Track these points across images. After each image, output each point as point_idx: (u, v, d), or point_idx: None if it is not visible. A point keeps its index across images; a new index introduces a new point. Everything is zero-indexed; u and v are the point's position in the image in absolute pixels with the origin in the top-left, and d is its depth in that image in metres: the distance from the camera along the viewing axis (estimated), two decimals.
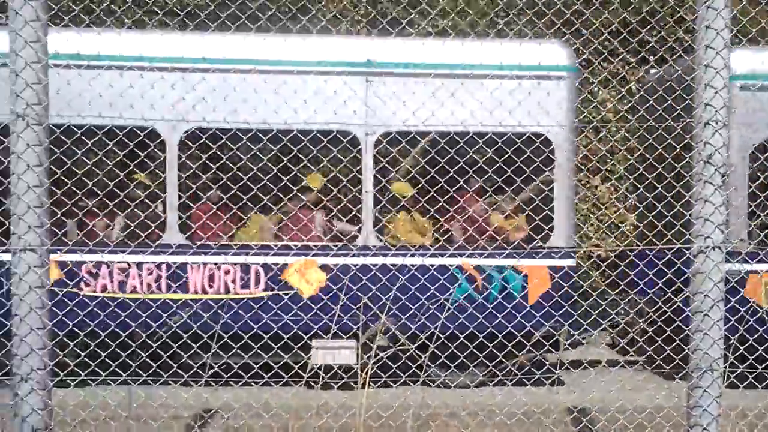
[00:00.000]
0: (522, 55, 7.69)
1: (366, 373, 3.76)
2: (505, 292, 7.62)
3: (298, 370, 7.11)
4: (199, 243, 7.27)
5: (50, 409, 3.52)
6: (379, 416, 4.41)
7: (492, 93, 7.29)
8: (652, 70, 10.04)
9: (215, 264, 7.39)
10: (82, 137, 5.88)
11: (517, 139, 7.18)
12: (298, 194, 8.03)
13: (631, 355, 9.25)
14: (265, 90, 7.34)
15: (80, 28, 6.78)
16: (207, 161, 7.19)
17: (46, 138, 3.47)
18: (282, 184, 7.65)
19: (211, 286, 7.39)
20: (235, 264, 7.40)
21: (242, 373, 6.70)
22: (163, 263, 7.38)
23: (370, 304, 7.32)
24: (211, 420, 5.73)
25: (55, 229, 8.09)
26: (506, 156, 6.49)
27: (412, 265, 7.47)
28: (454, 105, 7.34)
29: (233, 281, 7.42)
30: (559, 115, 7.69)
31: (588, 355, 9.77)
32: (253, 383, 6.04)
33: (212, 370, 5.42)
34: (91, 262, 7.31)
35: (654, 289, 7.98)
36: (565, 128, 7.75)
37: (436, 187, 7.41)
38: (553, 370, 8.19)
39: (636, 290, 9.01)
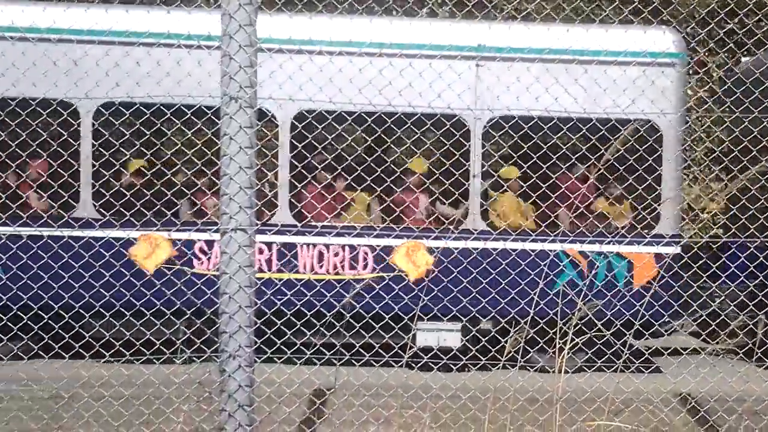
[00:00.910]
0: (630, 41, 7.64)
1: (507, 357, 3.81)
2: (608, 278, 7.62)
3: (400, 351, 7.17)
4: (303, 223, 7.35)
5: (255, 386, 3.60)
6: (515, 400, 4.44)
7: (599, 79, 7.26)
8: (743, 59, 9.96)
9: (325, 245, 7.46)
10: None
11: (623, 127, 7.15)
12: (404, 178, 8.06)
13: (719, 343, 9.22)
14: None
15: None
16: (315, 143, 7.26)
17: (256, 120, 3.53)
18: (385, 167, 7.68)
19: (320, 266, 7.47)
20: (344, 245, 7.47)
21: (364, 352, 6.75)
22: (273, 243, 7.47)
23: (469, 286, 7.35)
24: (333, 397, 5.79)
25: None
26: (613, 143, 6.48)
27: (513, 250, 7.48)
28: (561, 90, 7.31)
29: (342, 263, 7.50)
30: (667, 102, 7.64)
31: (675, 343, 9.76)
32: (373, 362, 6.02)
33: (335, 349, 5.44)
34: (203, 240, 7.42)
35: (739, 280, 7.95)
36: (672, 116, 7.71)
37: (541, 172, 7.42)
38: (650, 358, 8.20)
39: (734, 281, 8.97)
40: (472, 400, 4.34)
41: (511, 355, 3.84)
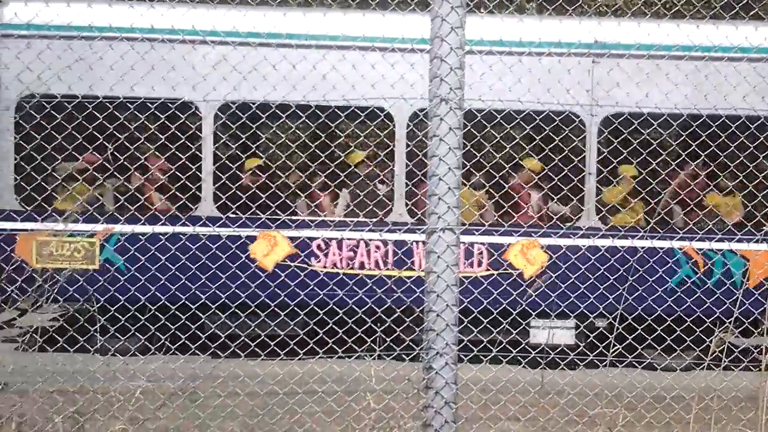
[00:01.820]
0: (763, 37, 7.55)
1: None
2: (722, 276, 7.57)
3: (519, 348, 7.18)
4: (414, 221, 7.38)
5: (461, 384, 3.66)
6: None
7: (714, 75, 7.20)
8: None
9: None
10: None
11: (751, 124, 7.08)
12: (517, 176, 8.08)
13: None
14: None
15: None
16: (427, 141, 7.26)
17: (463, 121, 3.58)
18: (493, 164, 7.71)
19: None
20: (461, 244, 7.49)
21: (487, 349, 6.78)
22: (390, 241, 7.53)
23: (578, 284, 7.33)
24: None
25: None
26: (740, 141, 6.44)
27: (629, 247, 7.45)
28: (681, 87, 7.26)
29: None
30: None
31: None
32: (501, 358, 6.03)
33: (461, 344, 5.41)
34: (321, 238, 7.51)
35: None
36: None
37: (656, 168, 7.37)
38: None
39: None
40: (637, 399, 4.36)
41: (621, 353, 3.84)
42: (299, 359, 4.51)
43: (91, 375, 4.08)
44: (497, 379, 3.90)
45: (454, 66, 3.50)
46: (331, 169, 7.75)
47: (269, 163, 8.02)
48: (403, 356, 4.43)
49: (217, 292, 6.45)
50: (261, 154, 8.67)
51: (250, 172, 7.99)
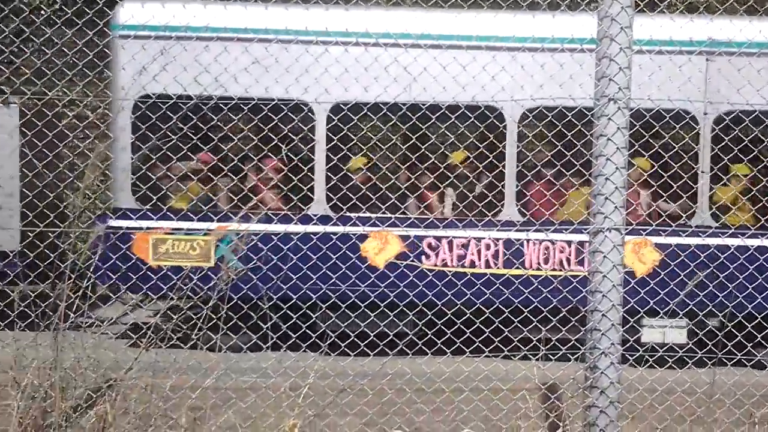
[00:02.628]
0: None
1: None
2: None
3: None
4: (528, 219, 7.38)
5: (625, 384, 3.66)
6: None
7: None
8: None
9: (551, 241, 7.49)
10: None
11: None
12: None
13: None
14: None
15: None
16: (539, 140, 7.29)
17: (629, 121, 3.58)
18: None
19: (546, 263, 7.50)
20: (570, 241, 7.48)
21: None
22: (501, 239, 7.55)
23: (686, 283, 7.22)
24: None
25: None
26: None
27: (742, 246, 7.30)
28: None
29: (567, 258, 7.51)
30: None
31: None
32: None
33: (550, 344, 5.35)
34: (433, 236, 7.56)
35: None
36: None
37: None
38: None
39: None
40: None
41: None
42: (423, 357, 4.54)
43: (263, 372, 4.17)
44: (663, 379, 3.89)
45: (623, 66, 3.50)
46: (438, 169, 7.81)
47: (378, 163, 8.09)
48: (549, 356, 4.45)
49: (347, 290, 6.58)
50: (369, 154, 8.74)
51: (358, 170, 8.08)
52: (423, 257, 7.58)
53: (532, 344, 4.48)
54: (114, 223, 7.47)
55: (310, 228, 7.46)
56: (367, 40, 7.13)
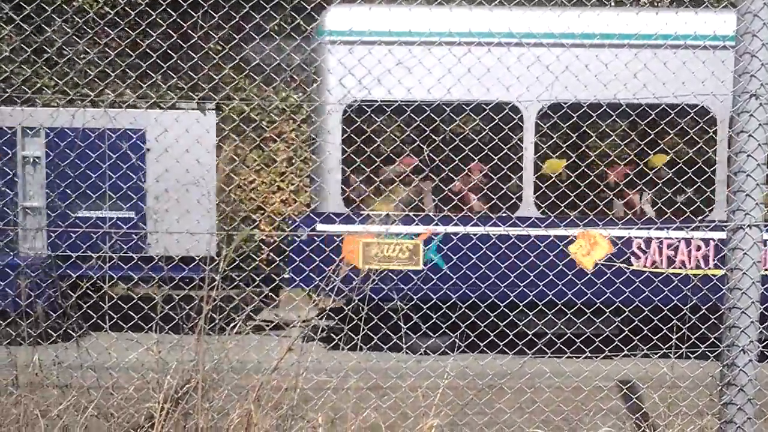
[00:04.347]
0: None
1: None
2: None
3: None
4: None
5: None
6: None
7: None
8: None
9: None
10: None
11: None
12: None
13: None
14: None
15: None
16: None
17: None
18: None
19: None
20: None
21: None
22: (711, 240, 7.33)
23: None
24: None
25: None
26: None
27: None
28: None
29: None
30: None
31: None
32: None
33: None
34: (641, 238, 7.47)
35: None
36: None
37: None
38: None
39: None
40: None
41: None
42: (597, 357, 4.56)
43: (404, 372, 4.36)
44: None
45: (765, 62, 3.48)
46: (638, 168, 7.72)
47: (580, 163, 8.00)
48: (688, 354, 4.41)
49: (547, 292, 6.62)
50: (572, 155, 8.71)
51: (556, 172, 8.03)
52: (632, 259, 7.50)
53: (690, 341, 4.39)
54: (320, 227, 7.59)
55: (530, 231, 7.35)
56: (568, 41, 7.10)
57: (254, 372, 3.57)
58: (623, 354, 4.50)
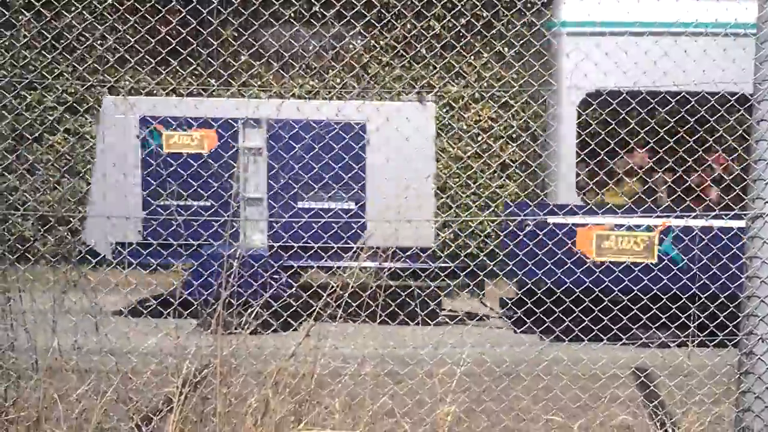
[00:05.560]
0: None
1: None
2: None
3: None
4: None
5: None
6: None
7: None
8: None
9: None
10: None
11: None
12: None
13: None
14: None
15: None
16: None
17: None
18: None
19: None
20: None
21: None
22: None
23: None
24: None
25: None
26: None
27: None
28: None
29: None
30: None
31: None
32: None
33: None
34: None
35: None
36: None
37: None
38: None
39: None
40: None
41: None
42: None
43: (421, 359, 4.38)
44: None
45: None
46: None
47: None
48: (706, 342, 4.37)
49: None
50: None
51: None
52: None
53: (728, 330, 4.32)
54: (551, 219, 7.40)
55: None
56: None
57: (272, 358, 3.59)
58: (640, 342, 4.48)
